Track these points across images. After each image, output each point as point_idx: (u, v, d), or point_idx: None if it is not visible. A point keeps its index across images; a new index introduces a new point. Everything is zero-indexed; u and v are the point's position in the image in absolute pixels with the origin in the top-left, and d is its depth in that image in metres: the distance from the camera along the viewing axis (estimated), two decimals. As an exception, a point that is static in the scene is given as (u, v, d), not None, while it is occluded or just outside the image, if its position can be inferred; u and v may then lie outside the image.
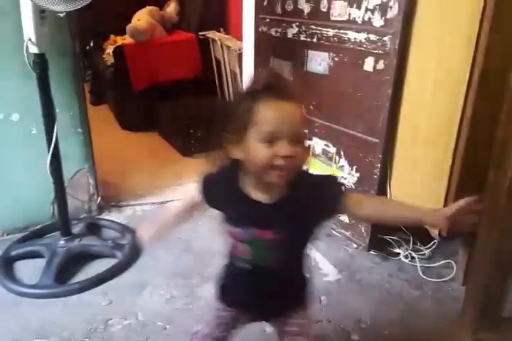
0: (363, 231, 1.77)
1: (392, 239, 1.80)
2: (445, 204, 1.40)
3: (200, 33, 3.17)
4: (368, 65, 1.55)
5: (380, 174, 1.62)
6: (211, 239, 1.89)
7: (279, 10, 1.95)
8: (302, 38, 1.84)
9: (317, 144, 1.89)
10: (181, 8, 3.47)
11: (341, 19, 1.62)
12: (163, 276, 1.68)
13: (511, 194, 0.72)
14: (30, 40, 1.45)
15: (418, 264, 1.70)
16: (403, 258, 1.74)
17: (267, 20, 2.03)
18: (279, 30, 1.96)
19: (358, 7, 1.54)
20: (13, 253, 1.75)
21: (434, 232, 1.52)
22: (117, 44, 3.18)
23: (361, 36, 1.55)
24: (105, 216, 2.06)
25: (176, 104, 2.95)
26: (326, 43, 1.72)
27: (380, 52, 1.50)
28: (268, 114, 0.77)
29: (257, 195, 0.85)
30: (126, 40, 3.16)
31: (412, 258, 1.74)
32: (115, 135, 3.05)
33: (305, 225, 0.87)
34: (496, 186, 0.73)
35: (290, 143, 0.77)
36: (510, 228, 0.74)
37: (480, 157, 1.02)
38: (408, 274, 1.68)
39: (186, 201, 1.03)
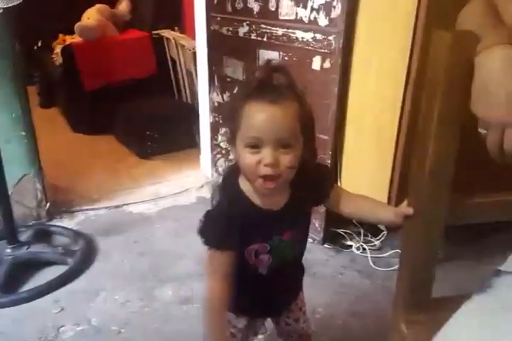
0: (317, 225, 1.80)
1: (345, 232, 1.85)
2: (390, 192, 1.46)
3: (154, 32, 3.13)
4: (316, 64, 1.58)
5: (331, 169, 1.65)
6: (168, 242, 1.88)
7: (229, 8, 1.94)
8: (253, 37, 1.84)
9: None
10: (134, 6, 3.40)
11: (289, 18, 1.64)
12: (118, 281, 1.65)
13: (431, 186, 0.75)
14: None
15: (369, 255, 1.76)
16: (355, 250, 1.80)
17: (218, 18, 2.02)
18: (231, 28, 1.95)
19: (304, 6, 1.56)
20: (-42, 263, 1.68)
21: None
22: (66, 43, 3.09)
23: (308, 35, 1.57)
24: (56, 222, 2.00)
25: (130, 104, 2.88)
26: (276, 42, 1.73)
27: (326, 51, 1.53)
28: (252, 119, 0.73)
29: (270, 203, 0.82)
30: (76, 39, 3.08)
31: (364, 249, 1.80)
32: (66, 138, 2.96)
33: (309, 216, 0.91)
34: (418, 177, 0.76)
35: (276, 150, 0.72)
36: (433, 216, 0.78)
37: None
38: (360, 265, 1.73)
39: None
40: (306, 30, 1.58)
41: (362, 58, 1.47)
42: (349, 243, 1.82)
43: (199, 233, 0.82)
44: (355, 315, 1.49)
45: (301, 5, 1.58)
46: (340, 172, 1.67)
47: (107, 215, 2.08)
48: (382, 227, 1.72)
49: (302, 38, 1.60)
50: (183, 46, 2.87)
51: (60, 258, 1.71)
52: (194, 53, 2.53)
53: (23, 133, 1.85)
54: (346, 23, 1.43)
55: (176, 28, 3.16)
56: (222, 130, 2.16)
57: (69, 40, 3.22)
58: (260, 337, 1.36)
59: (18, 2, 1.30)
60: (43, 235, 1.87)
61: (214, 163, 2.28)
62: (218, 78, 2.10)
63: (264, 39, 1.78)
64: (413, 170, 0.77)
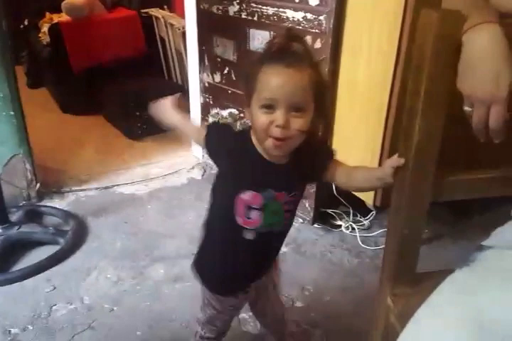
0: (307, 206, 1.82)
1: (335, 212, 1.87)
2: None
3: (143, 11, 3.07)
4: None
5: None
6: (159, 222, 1.90)
7: (219, -13, 1.92)
8: (243, 16, 1.82)
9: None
10: (122, -15, 3.34)
11: (280, -3, 1.62)
12: (110, 260, 1.67)
13: (417, 162, 0.76)
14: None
15: (358, 234, 1.80)
16: (344, 230, 1.83)
17: (208, -3, 1.99)
18: (221, 7, 1.93)
19: (295, -15, 1.55)
20: None
21: (369, 203, 1.61)
22: (53, 22, 3.02)
23: (299, 15, 1.56)
24: (46, 202, 2.00)
25: (120, 84, 2.84)
26: (267, 22, 1.71)
27: (317, 31, 1.52)
28: (268, 80, 0.75)
29: (270, 156, 0.83)
30: (63, 17, 3.01)
31: (353, 229, 1.83)
32: (55, 119, 2.92)
33: (303, 186, 0.91)
34: (405, 153, 0.77)
35: (288, 112, 0.75)
36: (418, 192, 0.79)
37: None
38: (349, 244, 1.77)
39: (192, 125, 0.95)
40: (296, 10, 1.57)
41: (352, 38, 1.46)
42: (338, 223, 1.85)
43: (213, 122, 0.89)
44: (344, 291, 1.52)
45: (291, -17, 1.56)
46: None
47: (98, 196, 2.08)
48: (370, 207, 1.75)
49: (293, 17, 1.59)
50: (172, 25, 2.83)
51: (51, 238, 1.72)
52: (184, 32, 2.49)
53: (12, 113, 1.83)
54: (337, 2, 1.42)
55: (165, 6, 3.10)
56: (213, 111, 2.15)
57: (56, 18, 3.15)
58: (251, 313, 1.38)
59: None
60: (34, 215, 1.88)
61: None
62: (208, 58, 2.08)
63: (255, 18, 1.76)
64: (400, 147, 0.79)
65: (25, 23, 3.46)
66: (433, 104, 0.72)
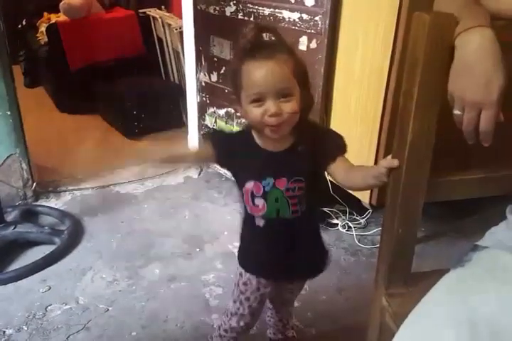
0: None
1: (331, 211, 1.87)
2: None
3: (141, 11, 3.07)
4: (303, 44, 1.57)
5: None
6: (155, 222, 1.89)
7: (216, -13, 1.92)
8: (240, 17, 1.82)
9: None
10: (120, -16, 3.34)
11: (276, -2, 1.62)
12: (106, 260, 1.66)
13: (410, 162, 0.76)
14: None
15: (354, 233, 1.80)
16: (341, 229, 1.83)
17: (205, -3, 1.99)
18: (217, 8, 1.93)
19: (291, -14, 1.55)
20: None
21: (365, 202, 1.61)
22: (51, 22, 3.02)
23: (295, 15, 1.56)
24: (42, 202, 1.99)
25: (117, 84, 2.84)
26: (263, 22, 1.71)
27: (313, 31, 1.52)
28: (251, 76, 0.79)
29: (270, 146, 0.88)
30: (61, 17, 3.01)
31: (349, 227, 1.83)
32: (52, 118, 2.92)
33: (312, 172, 0.90)
34: (399, 153, 0.78)
35: (277, 100, 0.79)
36: (413, 192, 0.79)
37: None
38: (345, 243, 1.77)
39: (199, 151, 1.01)
40: (292, 10, 1.57)
41: (348, 38, 1.47)
42: (335, 221, 1.85)
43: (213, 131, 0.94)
44: (340, 290, 1.53)
45: (287, -16, 1.56)
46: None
47: (94, 195, 2.08)
48: (367, 206, 1.75)
49: (289, 18, 1.59)
50: (169, 25, 2.83)
51: (47, 238, 1.71)
52: (181, 32, 2.49)
53: (8, 112, 1.83)
54: (332, 3, 1.42)
55: (163, 6, 3.10)
56: (210, 110, 2.15)
57: (54, 18, 3.15)
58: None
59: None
60: (30, 215, 1.87)
61: (201, 142, 2.28)
62: (205, 58, 2.08)
63: (251, 19, 1.76)
64: (394, 147, 0.79)
65: (23, 22, 3.46)
66: (426, 105, 0.72)
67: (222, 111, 2.07)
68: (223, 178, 2.19)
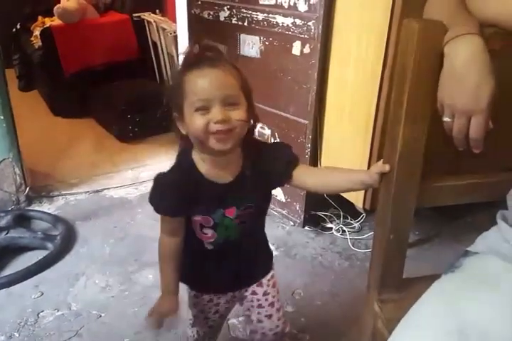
0: (297, 208, 1.83)
1: (325, 215, 1.87)
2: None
3: (135, 15, 3.07)
4: (296, 49, 1.58)
5: (311, 153, 1.67)
6: (149, 226, 1.88)
7: (210, -8, 1.92)
8: (234, 21, 1.83)
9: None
10: (114, -11, 3.34)
11: (269, 3, 1.63)
12: (98, 265, 1.65)
13: (401, 169, 0.77)
14: None
15: (348, 237, 1.80)
16: (335, 232, 1.83)
17: (199, 2, 1.99)
18: (212, 12, 1.93)
19: (284, -9, 1.56)
20: None
21: (359, 206, 1.61)
22: (45, 26, 3.02)
23: (288, 21, 1.57)
24: (36, 207, 1.99)
25: (111, 88, 2.85)
26: (257, 27, 1.72)
27: (306, 36, 1.53)
28: (194, 83, 0.76)
29: (217, 175, 0.84)
30: (55, 21, 3.01)
31: (343, 231, 1.83)
32: (46, 122, 2.92)
33: (262, 195, 0.90)
34: (390, 160, 0.78)
35: (223, 107, 0.75)
36: (404, 197, 0.80)
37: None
38: (339, 247, 1.77)
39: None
40: (286, 16, 1.57)
41: (341, 43, 1.47)
42: (329, 225, 1.85)
43: (149, 201, 0.87)
44: (334, 295, 1.52)
45: (281, -11, 1.57)
46: (321, 156, 1.69)
47: (87, 200, 2.07)
48: (360, 210, 1.75)
49: (282, 23, 1.59)
50: (164, 29, 2.83)
51: (39, 243, 1.70)
52: (175, 37, 2.50)
53: (1, 117, 1.83)
54: (325, 8, 1.43)
55: (157, 10, 3.11)
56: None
57: (48, 22, 3.15)
58: (241, 318, 1.38)
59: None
60: (23, 220, 1.86)
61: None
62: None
63: (245, 24, 1.76)
64: (385, 153, 0.79)
65: (18, 26, 3.46)
66: (416, 112, 0.73)
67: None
68: (217, 183, 2.19)
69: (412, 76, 0.70)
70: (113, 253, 1.72)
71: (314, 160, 1.69)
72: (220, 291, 0.99)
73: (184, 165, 0.85)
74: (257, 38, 1.74)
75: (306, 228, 1.85)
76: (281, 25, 1.60)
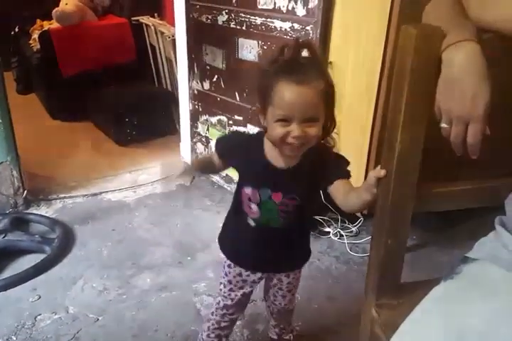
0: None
1: (323, 219, 1.87)
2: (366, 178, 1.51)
3: (134, 18, 3.08)
4: (294, 53, 1.58)
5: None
6: (147, 230, 1.89)
7: (208, -4, 1.93)
8: (232, 26, 1.83)
9: (251, 131, 1.91)
10: (113, -8, 3.34)
11: (267, 8, 1.64)
12: (96, 269, 1.65)
13: (398, 174, 0.78)
14: None
15: (346, 241, 1.80)
16: (333, 237, 1.84)
17: (198, 6, 2.00)
18: (210, 17, 1.94)
19: (283, -4, 1.56)
20: None
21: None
22: (44, 29, 3.02)
23: (286, 25, 1.58)
24: (34, 210, 1.98)
25: (110, 91, 2.85)
26: (255, 31, 1.73)
27: (304, 41, 1.53)
28: (284, 99, 0.81)
29: (276, 161, 0.92)
30: (54, 24, 3.01)
31: (341, 236, 1.83)
32: (44, 125, 2.91)
33: (307, 192, 0.95)
34: (387, 164, 0.78)
35: (302, 125, 0.82)
36: (401, 202, 0.80)
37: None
38: (337, 251, 1.77)
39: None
40: (284, 20, 1.58)
41: (339, 48, 1.48)
42: (327, 229, 1.86)
43: (216, 139, 1.02)
44: (331, 299, 1.53)
45: (279, -6, 1.58)
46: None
47: (85, 203, 2.07)
48: (358, 214, 1.76)
49: (280, 27, 1.60)
50: (162, 33, 2.84)
51: (37, 246, 1.70)
52: (174, 40, 2.50)
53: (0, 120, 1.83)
54: (323, 13, 1.44)
55: (156, 14, 3.11)
56: (202, 117, 2.16)
57: (47, 25, 3.15)
58: (238, 323, 1.39)
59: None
60: (21, 223, 1.86)
61: (194, 150, 2.28)
62: (198, 66, 2.09)
63: (243, 28, 1.77)
64: (383, 158, 0.80)
65: (16, 29, 3.45)
66: (413, 118, 0.73)
67: (214, 119, 2.08)
68: (216, 186, 2.19)
69: (409, 82, 0.70)
70: (111, 257, 1.72)
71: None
72: (250, 268, 1.06)
73: (256, 140, 0.94)
74: (255, 42, 1.75)
75: (304, 232, 1.86)
76: (279, 29, 1.61)
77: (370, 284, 0.90)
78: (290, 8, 1.54)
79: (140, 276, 1.62)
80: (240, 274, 1.07)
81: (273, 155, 0.92)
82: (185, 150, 2.40)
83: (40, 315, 1.44)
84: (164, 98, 2.81)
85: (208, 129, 2.15)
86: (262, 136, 0.93)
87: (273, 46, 1.67)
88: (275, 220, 0.96)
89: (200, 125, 2.19)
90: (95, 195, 2.13)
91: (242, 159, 0.96)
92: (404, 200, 0.80)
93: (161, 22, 2.99)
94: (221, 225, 1.11)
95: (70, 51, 2.85)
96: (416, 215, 0.82)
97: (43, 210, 1.99)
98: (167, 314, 1.45)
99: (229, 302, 1.10)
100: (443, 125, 0.71)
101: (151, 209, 2.03)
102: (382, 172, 0.78)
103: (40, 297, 1.51)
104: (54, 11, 2.88)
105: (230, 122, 1.98)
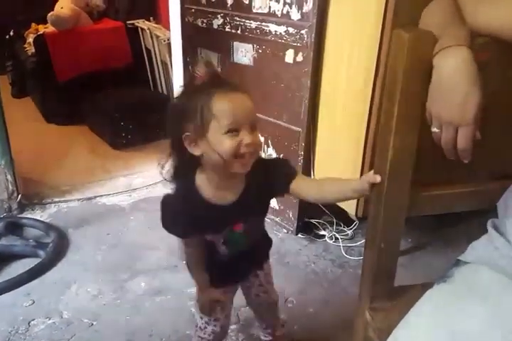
0: (291, 216, 1.83)
1: (318, 222, 1.87)
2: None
3: (129, 22, 3.08)
4: (289, 57, 1.59)
5: (304, 161, 1.68)
6: (141, 234, 1.88)
7: (203, 0, 1.93)
8: (227, 29, 1.84)
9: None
10: (109, -4, 3.34)
11: (262, 12, 1.64)
12: (91, 273, 1.64)
13: (391, 179, 0.78)
14: None
15: (341, 244, 1.80)
16: (328, 240, 1.83)
17: (193, 10, 2.01)
18: (205, 20, 1.95)
19: (277, 0, 1.57)
20: None
21: (352, 214, 1.62)
22: (39, 33, 3.02)
23: (281, 29, 1.58)
24: (28, 214, 1.97)
25: (105, 95, 2.84)
26: (250, 35, 1.73)
27: (299, 44, 1.54)
28: (226, 108, 0.79)
29: (221, 197, 0.89)
30: (49, 28, 3.01)
31: (336, 239, 1.83)
32: (39, 129, 2.90)
33: (265, 205, 0.98)
34: (380, 169, 0.79)
35: (250, 131, 0.81)
36: (394, 206, 0.80)
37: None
38: (332, 254, 1.77)
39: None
40: (279, 24, 1.59)
41: (334, 52, 1.49)
42: (322, 232, 1.85)
43: (162, 225, 0.93)
44: (326, 303, 1.52)
45: (274, -2, 1.58)
46: (313, 163, 1.70)
47: (80, 207, 2.06)
48: (353, 217, 1.76)
49: (275, 31, 1.61)
50: (157, 37, 2.84)
51: (31, 250, 1.69)
52: (169, 44, 2.51)
53: (-7, 124, 1.82)
54: (318, 17, 1.44)
55: (151, 18, 3.12)
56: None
57: (42, 29, 3.15)
58: (233, 326, 1.38)
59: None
60: (15, 228, 1.85)
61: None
62: (193, 69, 2.08)
63: (238, 32, 1.78)
64: (376, 162, 0.80)
65: (11, 33, 3.45)
66: (406, 122, 0.74)
67: (209, 123, 2.07)
68: (211, 189, 2.19)
69: (402, 86, 0.71)
70: (105, 261, 1.71)
71: (307, 168, 1.70)
72: (232, 284, 1.09)
73: (187, 189, 0.89)
74: (250, 45, 1.75)
75: (299, 235, 1.85)
76: (274, 33, 1.62)
77: (363, 287, 0.90)
78: (285, 12, 1.55)
79: (135, 280, 1.61)
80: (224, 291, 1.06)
81: (215, 195, 0.88)
82: (180, 154, 2.39)
83: (33, 320, 1.43)
84: (160, 101, 2.81)
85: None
86: (190, 182, 0.88)
87: (268, 50, 1.68)
88: (243, 244, 0.98)
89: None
90: (90, 199, 2.12)
91: (194, 219, 0.89)
92: (398, 204, 0.80)
93: (156, 25, 3.00)
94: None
95: (65, 55, 2.85)
96: (410, 218, 0.83)
97: (38, 214, 1.98)
98: (162, 318, 1.44)
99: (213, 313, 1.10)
100: (434, 130, 0.71)
101: (146, 213, 2.02)
102: (378, 179, 0.77)
103: (34, 302, 1.50)
104: (49, 14, 2.88)
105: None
